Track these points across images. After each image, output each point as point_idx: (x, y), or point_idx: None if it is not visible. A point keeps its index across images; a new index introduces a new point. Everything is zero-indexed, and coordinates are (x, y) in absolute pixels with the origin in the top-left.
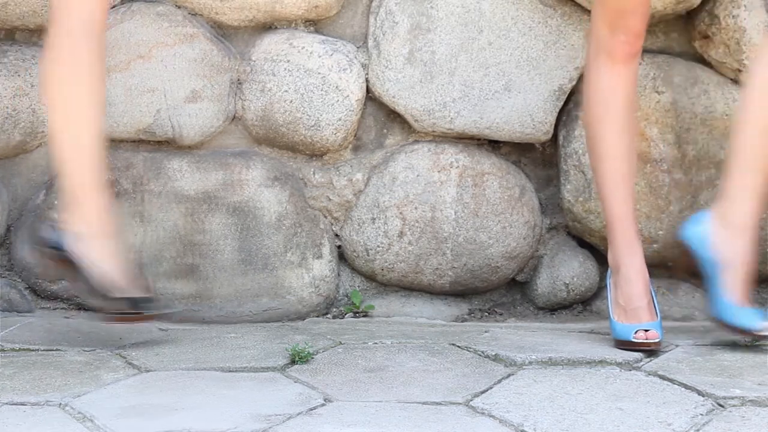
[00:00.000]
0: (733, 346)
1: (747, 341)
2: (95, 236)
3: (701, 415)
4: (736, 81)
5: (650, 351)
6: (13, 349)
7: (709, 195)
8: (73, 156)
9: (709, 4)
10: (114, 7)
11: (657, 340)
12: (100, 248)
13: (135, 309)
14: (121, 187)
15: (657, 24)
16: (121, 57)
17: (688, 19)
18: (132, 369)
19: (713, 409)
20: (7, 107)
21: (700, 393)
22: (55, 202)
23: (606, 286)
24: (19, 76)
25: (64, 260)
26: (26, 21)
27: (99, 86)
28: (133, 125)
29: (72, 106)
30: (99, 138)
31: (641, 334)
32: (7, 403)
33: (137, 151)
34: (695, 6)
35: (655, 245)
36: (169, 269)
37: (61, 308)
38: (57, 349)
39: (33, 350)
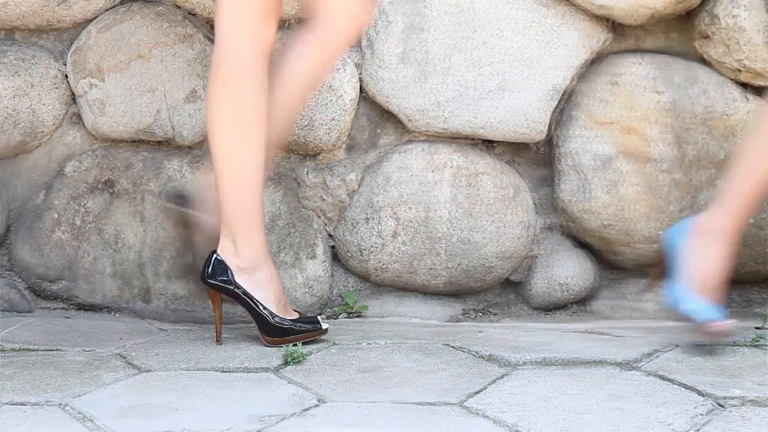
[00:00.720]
0: (733, 346)
1: (747, 341)
2: (249, 270)
3: (701, 415)
4: (735, 81)
5: (717, 341)
6: (13, 349)
7: (709, 195)
8: (237, 189)
9: (709, 4)
10: (114, 7)
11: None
12: (255, 280)
13: (317, 327)
14: (121, 187)
15: (657, 24)
16: (121, 57)
17: (687, 19)
18: (132, 369)
19: (713, 409)
20: (7, 107)
21: (700, 393)
22: (55, 203)
23: (676, 243)
24: (19, 76)
25: (227, 292)
26: (26, 21)
27: (264, 120)
28: (133, 125)
29: (241, 142)
30: (264, 173)
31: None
32: (7, 403)
33: (137, 151)
34: (695, 6)
35: (654, 245)
36: (169, 269)
37: (61, 308)
38: (57, 349)
39: (33, 350)
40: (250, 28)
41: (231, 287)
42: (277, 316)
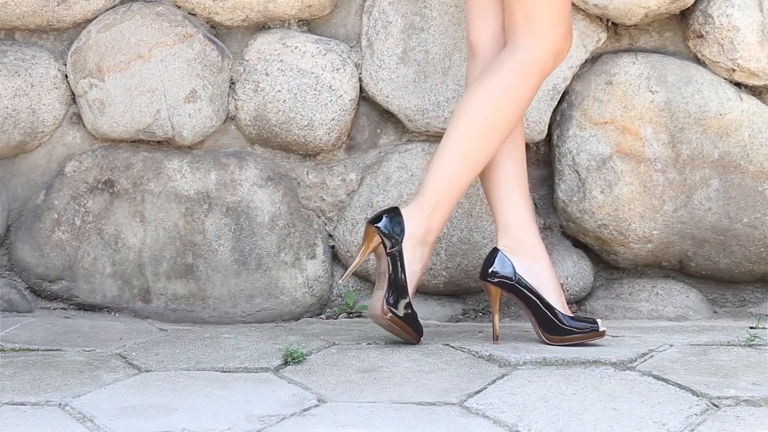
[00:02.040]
0: (728, 345)
1: (741, 341)
2: (416, 240)
3: (696, 414)
4: (729, 80)
5: None
6: (13, 349)
7: (704, 194)
8: (466, 169)
9: (703, 4)
10: (114, 7)
11: None
12: (413, 252)
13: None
14: (121, 187)
15: (651, 23)
16: (121, 57)
17: (682, 18)
18: (131, 369)
19: (707, 409)
20: (7, 107)
21: (694, 393)
22: (55, 203)
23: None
24: (19, 76)
25: (385, 251)
26: (26, 21)
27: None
28: (132, 125)
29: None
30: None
31: None
32: (7, 403)
33: (137, 151)
34: (689, 5)
35: (649, 245)
36: (169, 269)
37: (61, 308)
38: (57, 349)
39: (33, 350)
40: (561, 42)
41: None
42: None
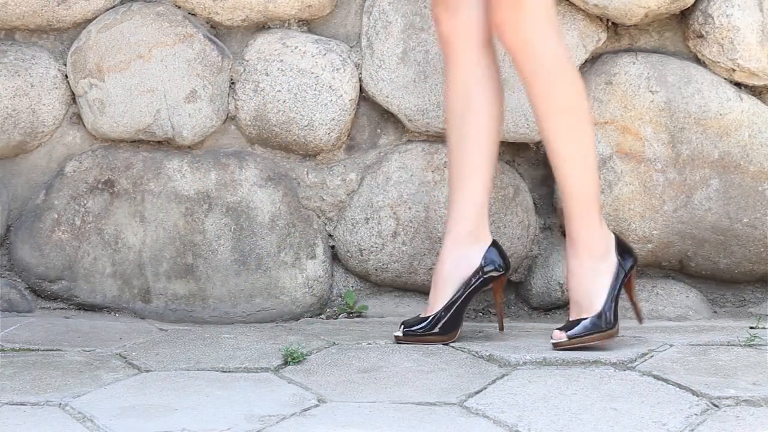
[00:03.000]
0: (728, 345)
1: (741, 341)
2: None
3: (696, 415)
4: (730, 80)
5: None
6: (13, 349)
7: (704, 194)
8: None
9: (703, 4)
10: (114, 7)
11: None
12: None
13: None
14: (121, 187)
15: (651, 23)
16: (121, 57)
17: (682, 18)
18: (131, 369)
19: (708, 409)
20: (7, 107)
21: (694, 393)
22: (55, 203)
23: None
24: (19, 76)
25: None
26: (26, 21)
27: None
28: (132, 125)
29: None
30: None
31: None
32: (7, 403)
33: (137, 151)
34: (689, 5)
35: (649, 245)
36: (169, 269)
37: (61, 308)
38: (57, 349)
39: (33, 350)
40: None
41: None
42: None
